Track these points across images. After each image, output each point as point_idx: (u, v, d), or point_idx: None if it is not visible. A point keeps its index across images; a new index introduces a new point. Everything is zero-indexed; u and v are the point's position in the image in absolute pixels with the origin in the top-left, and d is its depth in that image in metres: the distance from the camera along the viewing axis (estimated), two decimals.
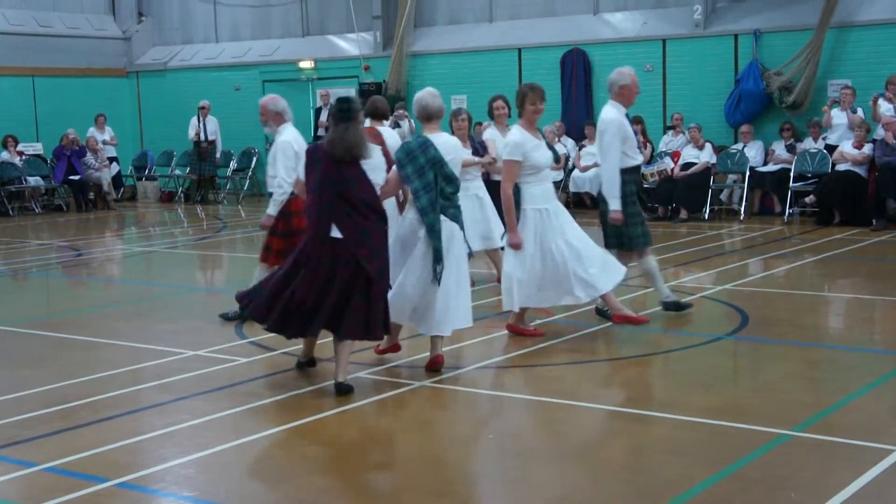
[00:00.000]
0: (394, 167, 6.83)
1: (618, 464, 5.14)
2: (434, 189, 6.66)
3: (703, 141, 15.76)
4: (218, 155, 20.74)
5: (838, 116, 14.94)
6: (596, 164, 15.16)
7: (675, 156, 15.98)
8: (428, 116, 6.88)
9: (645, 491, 4.74)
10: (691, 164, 15.64)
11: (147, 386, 6.84)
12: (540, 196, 7.59)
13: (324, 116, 18.91)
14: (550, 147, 7.75)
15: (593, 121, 16.61)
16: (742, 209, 15.51)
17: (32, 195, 20.05)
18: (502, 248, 8.26)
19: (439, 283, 6.63)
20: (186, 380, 6.96)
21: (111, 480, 4.98)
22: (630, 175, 8.07)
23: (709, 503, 4.58)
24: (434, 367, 6.88)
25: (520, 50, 18.88)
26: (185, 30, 23.52)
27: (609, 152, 7.98)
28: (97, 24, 23.37)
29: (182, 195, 21.51)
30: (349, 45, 21.00)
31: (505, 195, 7.50)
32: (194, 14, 23.33)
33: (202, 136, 20.16)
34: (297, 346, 7.63)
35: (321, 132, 18.30)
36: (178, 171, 21.77)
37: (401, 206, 7.27)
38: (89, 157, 20.18)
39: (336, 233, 6.30)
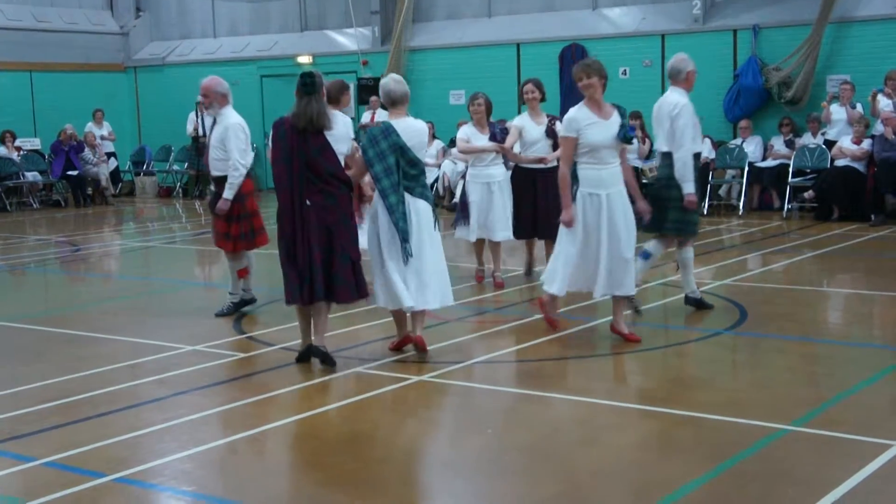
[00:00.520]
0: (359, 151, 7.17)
1: (616, 459, 5.14)
2: (395, 173, 6.88)
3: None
4: None
5: (837, 112, 14.95)
6: None
7: None
8: (392, 102, 7.08)
9: (643, 486, 4.74)
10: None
11: (145, 381, 6.83)
12: (593, 179, 7.21)
13: None
14: (625, 127, 7.22)
15: None
16: (741, 204, 15.51)
17: (30, 190, 20.04)
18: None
19: (406, 262, 6.89)
20: (185, 375, 6.96)
21: (109, 475, 4.97)
22: (693, 161, 8.16)
23: (707, 498, 4.58)
24: (416, 347, 7.12)
25: (518, 45, 18.87)
26: (182, 25, 23.49)
27: (684, 136, 8.01)
28: (95, 20, 23.34)
29: (180, 190, 21.50)
30: (347, 40, 20.98)
31: (560, 174, 7.38)
32: (192, 9, 23.30)
33: (200, 132, 20.13)
34: (295, 341, 7.63)
35: None
36: (176, 167, 21.76)
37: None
38: (87, 153, 20.17)
39: (305, 201, 6.71)
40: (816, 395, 6.13)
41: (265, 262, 8.05)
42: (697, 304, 8.45)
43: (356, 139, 8.22)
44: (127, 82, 23.60)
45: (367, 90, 19.87)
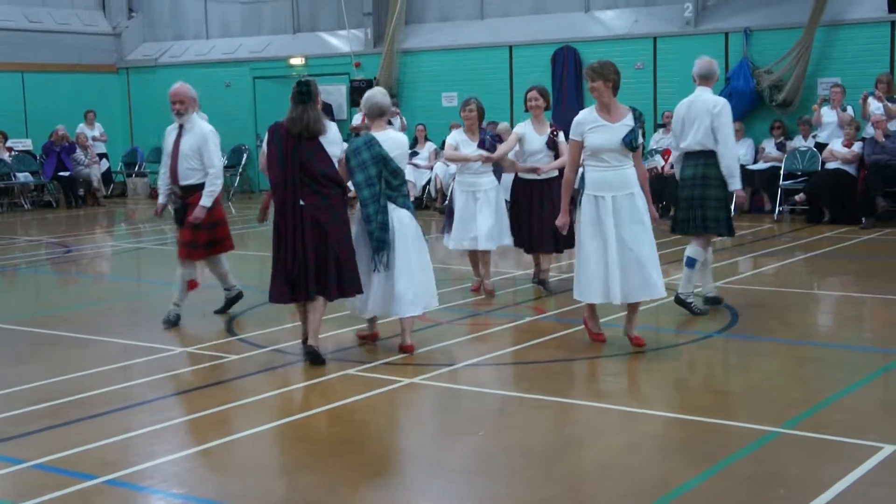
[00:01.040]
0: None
1: (606, 461, 5.14)
2: (377, 183, 7.12)
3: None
4: None
5: (828, 115, 14.98)
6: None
7: (665, 154, 15.98)
8: (379, 113, 7.28)
9: (634, 488, 4.74)
10: None
11: (136, 383, 6.82)
12: (597, 182, 7.07)
13: None
14: (634, 131, 6.99)
15: None
16: (732, 207, 15.51)
17: (22, 191, 19.98)
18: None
19: (375, 270, 7.13)
20: (176, 376, 6.95)
21: (100, 477, 4.96)
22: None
23: (697, 500, 4.59)
24: (404, 351, 7.28)
25: (511, 47, 18.88)
26: (175, 26, 23.46)
27: (729, 133, 8.16)
28: (87, 20, 23.30)
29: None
30: (340, 41, 20.97)
31: (564, 177, 7.42)
32: (185, 10, 23.27)
33: None
34: (287, 342, 7.64)
35: None
36: None
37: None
38: (79, 154, 20.12)
39: (300, 202, 6.93)
40: (807, 398, 6.15)
41: (257, 264, 8.03)
42: (717, 302, 8.57)
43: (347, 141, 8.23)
44: (119, 83, 23.56)
45: (360, 92, 19.84)
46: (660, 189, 15.51)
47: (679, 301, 8.36)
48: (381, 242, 7.09)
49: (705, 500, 4.59)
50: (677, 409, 5.95)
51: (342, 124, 19.53)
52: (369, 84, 19.86)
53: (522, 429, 5.74)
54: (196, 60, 22.43)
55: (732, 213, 8.67)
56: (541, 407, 6.10)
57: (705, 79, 8.38)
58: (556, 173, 9.08)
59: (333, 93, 20.18)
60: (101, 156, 21.04)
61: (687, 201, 8.31)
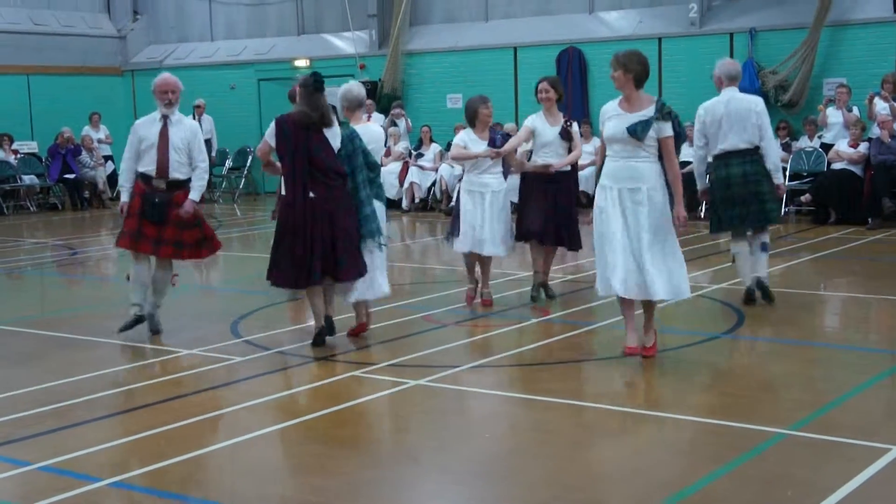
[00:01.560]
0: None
1: (613, 463, 5.13)
2: (361, 172, 7.55)
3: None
4: (213, 154, 20.69)
5: (834, 115, 14.95)
6: (592, 163, 15.16)
7: None
8: (357, 105, 7.73)
9: (641, 490, 4.73)
10: (687, 163, 15.59)
11: (141, 385, 6.82)
12: (608, 171, 6.88)
13: None
14: (646, 122, 6.71)
15: (590, 119, 16.62)
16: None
17: (27, 194, 20.02)
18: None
19: (374, 250, 7.62)
20: (181, 378, 6.94)
21: (105, 479, 4.96)
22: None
23: (705, 502, 4.57)
24: (360, 332, 7.78)
25: (515, 49, 18.89)
26: (180, 28, 23.50)
27: (771, 130, 8.61)
28: (92, 23, 23.34)
29: None
30: (345, 43, 20.99)
31: (596, 168, 7.43)
32: (190, 12, 23.31)
33: None
34: (292, 345, 7.63)
35: None
36: None
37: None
38: (84, 156, 20.15)
39: (310, 193, 7.27)
40: (814, 399, 6.13)
41: (262, 265, 8.00)
42: (764, 289, 8.74)
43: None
44: (124, 86, 23.59)
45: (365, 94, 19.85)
46: None
47: (762, 286, 8.71)
48: (377, 225, 7.59)
49: (713, 501, 4.57)
50: (684, 410, 5.93)
51: (345, 125, 19.53)
52: (374, 85, 19.89)
53: (529, 431, 5.73)
54: (201, 62, 22.46)
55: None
56: (547, 409, 6.08)
57: (733, 79, 8.60)
58: (568, 168, 8.99)
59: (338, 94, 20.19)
60: (107, 158, 21.06)
61: (740, 198, 8.51)
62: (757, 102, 8.54)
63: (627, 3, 18.25)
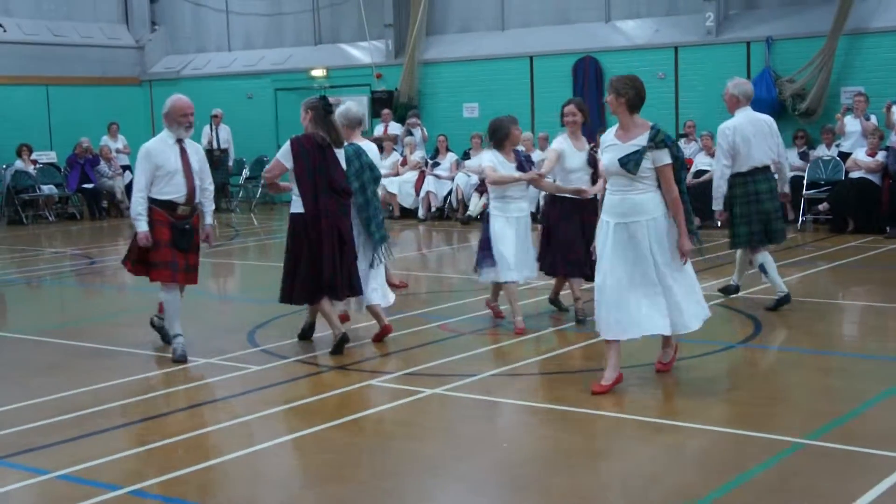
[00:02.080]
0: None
1: (630, 472, 5.12)
2: (369, 188, 7.92)
3: (716, 148, 15.70)
4: (230, 163, 20.81)
5: (851, 124, 14.91)
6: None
7: (687, 163, 15.96)
8: (358, 123, 8.14)
9: (659, 499, 4.72)
10: (704, 172, 15.59)
11: (159, 394, 6.85)
12: (608, 206, 6.57)
13: None
14: (639, 152, 6.39)
15: (605, 128, 16.61)
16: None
17: (46, 203, 20.14)
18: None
19: (378, 263, 8.01)
20: (198, 388, 6.97)
21: (125, 488, 4.98)
22: None
23: None
24: (385, 334, 8.05)
25: (531, 58, 18.90)
26: (197, 39, 23.63)
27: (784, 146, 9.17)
28: (110, 34, 23.50)
29: None
30: (361, 53, 21.06)
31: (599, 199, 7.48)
32: (207, 23, 23.43)
33: (214, 145, 20.22)
34: (309, 353, 7.65)
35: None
36: None
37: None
38: (102, 166, 20.27)
39: (327, 210, 7.56)
40: (832, 409, 6.10)
41: (278, 275, 8.03)
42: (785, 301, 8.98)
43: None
44: (142, 96, 23.73)
45: (381, 103, 19.93)
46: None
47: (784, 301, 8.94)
48: (384, 237, 8.04)
49: None
50: (701, 419, 5.91)
51: (362, 135, 19.58)
52: (390, 95, 19.94)
53: (546, 440, 5.73)
54: (218, 73, 22.57)
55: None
56: (564, 418, 6.08)
57: (748, 98, 8.97)
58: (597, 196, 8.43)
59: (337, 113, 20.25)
60: (125, 168, 21.15)
61: (766, 213, 8.90)
62: (771, 121, 9.00)
63: (644, 11, 18.25)
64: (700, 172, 15.62)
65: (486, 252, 8.43)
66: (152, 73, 23.67)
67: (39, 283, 12.51)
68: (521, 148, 8.67)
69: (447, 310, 9.39)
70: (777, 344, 7.75)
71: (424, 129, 19.06)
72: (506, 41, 19.40)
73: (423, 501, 4.89)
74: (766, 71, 16.31)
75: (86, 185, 19.94)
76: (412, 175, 18.29)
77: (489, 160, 8.37)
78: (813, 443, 5.39)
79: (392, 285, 9.90)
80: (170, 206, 7.68)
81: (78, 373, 7.40)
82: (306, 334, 8.12)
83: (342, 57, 21.34)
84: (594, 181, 8.45)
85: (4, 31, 21.57)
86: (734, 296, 9.49)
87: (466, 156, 18.42)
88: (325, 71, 21.14)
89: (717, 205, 9.03)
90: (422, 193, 18.07)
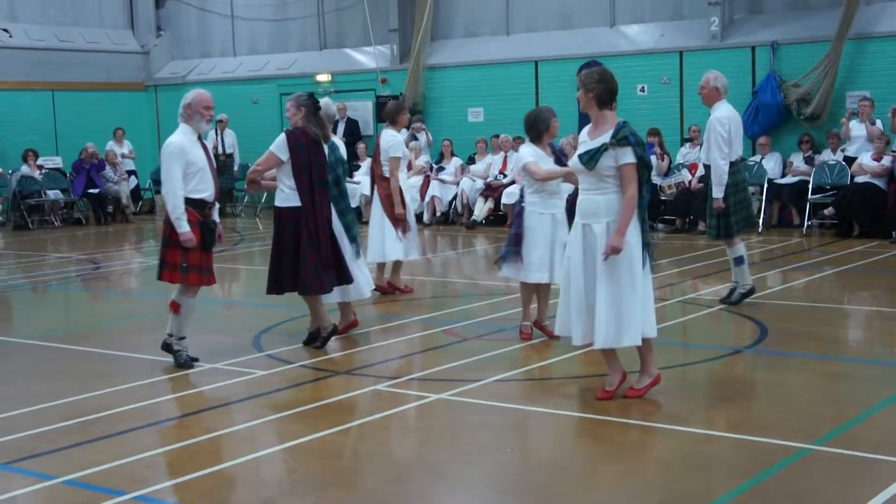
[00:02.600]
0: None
1: (637, 478, 5.11)
2: (342, 182, 8.31)
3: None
4: (236, 168, 20.83)
5: (857, 128, 14.88)
6: None
7: (692, 168, 15.93)
8: (334, 117, 8.92)
9: None
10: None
11: (165, 399, 6.85)
12: (578, 206, 6.40)
13: (340, 130, 18.95)
14: (598, 149, 6.16)
15: None
16: (760, 221, 15.43)
17: (52, 208, 20.17)
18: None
19: (357, 256, 8.42)
20: (204, 392, 6.97)
21: (129, 493, 4.98)
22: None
23: None
24: (352, 328, 8.46)
25: (536, 62, 18.89)
26: (203, 44, 23.66)
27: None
28: (116, 39, 23.54)
29: None
30: (366, 58, 21.07)
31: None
32: (212, 28, 23.47)
33: (220, 150, 20.25)
34: (315, 358, 7.65)
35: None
36: None
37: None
38: (108, 171, 20.31)
39: (321, 203, 7.89)
40: (838, 414, 6.09)
41: None
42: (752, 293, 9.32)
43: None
44: (148, 101, 23.77)
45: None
46: (687, 203, 15.48)
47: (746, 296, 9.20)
48: (355, 229, 8.45)
49: None
50: (707, 425, 5.90)
51: (368, 140, 19.61)
52: (395, 100, 19.94)
53: (551, 445, 5.72)
54: (223, 77, 22.60)
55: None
56: (569, 423, 6.07)
57: (727, 90, 9.18)
58: None
59: (360, 109, 20.28)
60: (130, 173, 21.22)
61: (748, 201, 9.33)
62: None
63: (649, 16, 18.24)
64: (705, 177, 15.57)
65: (514, 248, 8.03)
66: (158, 79, 23.71)
67: (45, 288, 12.53)
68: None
69: (453, 315, 9.39)
70: (783, 349, 7.73)
71: (429, 134, 19.06)
72: (511, 46, 19.40)
73: None
74: (771, 75, 16.29)
75: (91, 190, 19.97)
76: (417, 180, 18.29)
77: (529, 154, 7.90)
78: (819, 448, 5.37)
79: (398, 290, 10.00)
80: (201, 205, 7.46)
81: (83, 378, 7.40)
82: (312, 340, 8.12)
83: (347, 62, 21.36)
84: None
85: (11, 36, 21.62)
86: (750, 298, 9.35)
87: (471, 160, 18.43)
88: (330, 76, 21.16)
89: (720, 192, 9.04)
90: (427, 198, 18.07)
